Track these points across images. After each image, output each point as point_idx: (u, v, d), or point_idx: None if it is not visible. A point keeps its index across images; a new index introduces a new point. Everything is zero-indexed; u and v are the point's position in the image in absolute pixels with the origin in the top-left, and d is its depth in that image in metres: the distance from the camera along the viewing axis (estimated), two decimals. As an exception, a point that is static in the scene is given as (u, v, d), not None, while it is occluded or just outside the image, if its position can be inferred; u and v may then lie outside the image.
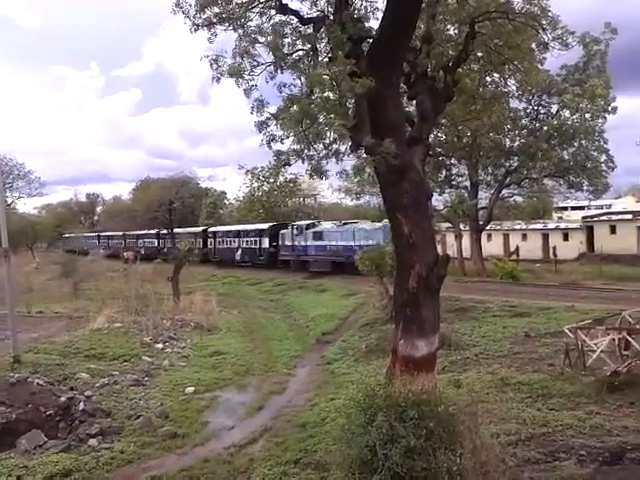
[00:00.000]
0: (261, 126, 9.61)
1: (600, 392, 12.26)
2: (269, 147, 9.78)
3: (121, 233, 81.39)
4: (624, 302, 20.03)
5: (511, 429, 10.57)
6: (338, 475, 8.10)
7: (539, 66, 12.14)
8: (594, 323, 14.92)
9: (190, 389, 16.14)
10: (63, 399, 13.61)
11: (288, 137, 9.46)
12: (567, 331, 14.52)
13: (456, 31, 11.50)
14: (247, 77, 9.35)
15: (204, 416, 14.20)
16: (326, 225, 44.72)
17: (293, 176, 58.07)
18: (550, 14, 10.67)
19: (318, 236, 43.03)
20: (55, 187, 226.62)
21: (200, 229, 63.49)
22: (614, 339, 13.69)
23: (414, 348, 9.73)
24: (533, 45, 11.31)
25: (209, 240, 61.09)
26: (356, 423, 7.75)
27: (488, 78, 12.69)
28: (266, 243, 50.47)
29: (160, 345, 21.10)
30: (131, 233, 78.76)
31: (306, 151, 9.87)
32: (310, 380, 17.51)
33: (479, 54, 11.64)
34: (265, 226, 52.07)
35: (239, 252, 54.71)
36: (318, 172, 10.19)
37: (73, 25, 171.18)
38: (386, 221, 36.75)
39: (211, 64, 9.39)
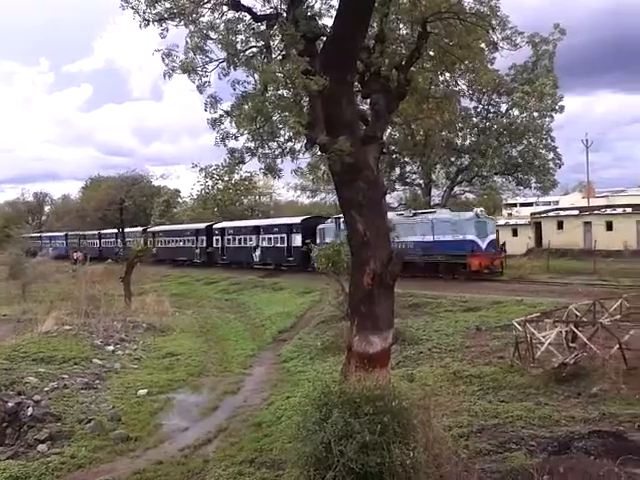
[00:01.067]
0: (215, 123, 9.48)
1: (548, 383, 12.67)
2: (223, 145, 9.68)
3: (95, 232, 73.17)
4: (571, 295, 20.72)
5: (463, 421, 10.82)
6: (293, 473, 8.10)
7: (489, 66, 12.42)
8: (542, 316, 15.38)
9: (143, 391, 15.89)
10: (10, 404, 13.17)
11: (242, 135, 9.37)
12: (516, 324, 14.94)
13: (408, 31, 11.62)
14: (200, 73, 9.21)
15: (157, 418, 14.04)
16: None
17: (248, 174, 57.32)
18: (499, 14, 10.90)
19: None
20: (1, 186, 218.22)
21: (203, 225, 54.22)
22: (561, 331, 14.15)
23: (369, 344, 9.82)
24: (483, 45, 11.55)
25: (215, 239, 52.00)
26: (311, 420, 7.75)
27: (440, 77, 12.89)
28: (298, 240, 40.53)
29: (111, 347, 20.67)
30: (108, 232, 71.13)
31: (260, 149, 9.80)
32: (266, 379, 17.48)
33: (431, 53, 11.79)
34: (297, 220, 43.70)
35: (258, 252, 45.93)
36: (272, 171, 10.14)
37: (20, 19, 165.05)
38: (478, 209, 32.79)
39: (163, 59, 9.20)
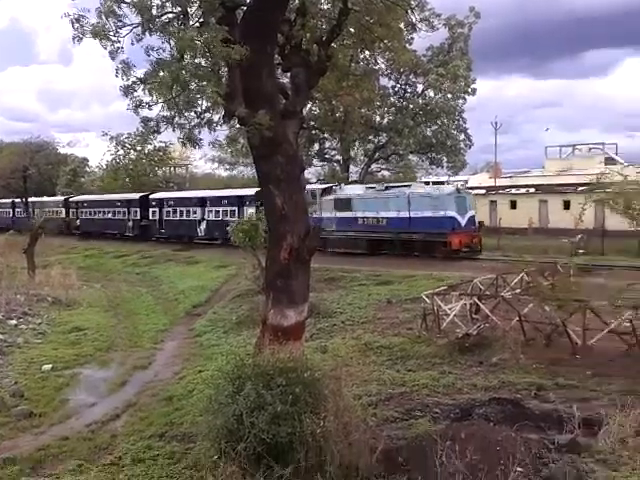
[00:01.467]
0: (127, 90, 9.06)
1: (453, 353, 13.38)
2: (136, 113, 9.30)
3: (8, 201, 65.86)
4: (475, 270, 21.77)
5: (372, 390, 11.26)
6: (204, 445, 8.14)
7: (407, 46, 12.65)
8: (449, 289, 16.12)
9: (47, 366, 15.37)
10: None
11: (157, 103, 9.03)
12: (425, 297, 15.59)
13: (330, 6, 11.60)
14: (112, 38, 8.73)
15: (63, 394, 13.62)
16: (355, 190, 33.20)
17: (163, 144, 55.17)
18: (419, -5, 11.11)
19: (343, 205, 31.83)
20: None
21: (137, 195, 48.87)
22: (466, 304, 14.93)
23: (284, 317, 9.94)
24: (402, 25, 11.72)
25: (151, 210, 46.52)
26: (224, 394, 7.80)
27: (360, 55, 12.99)
28: (250, 214, 35.29)
29: (13, 321, 19.79)
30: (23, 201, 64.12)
31: (177, 119, 9.51)
32: (178, 353, 17.28)
33: (352, 30, 11.84)
34: (250, 192, 38.13)
35: (203, 226, 41.83)
36: (191, 140, 9.88)
37: None
38: (459, 183, 32.49)
39: (72, 23, 8.64)
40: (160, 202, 46.21)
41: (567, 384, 10.95)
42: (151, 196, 47.77)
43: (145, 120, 9.39)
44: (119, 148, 56.16)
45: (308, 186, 34.97)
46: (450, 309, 14.71)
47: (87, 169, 72.78)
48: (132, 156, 56.67)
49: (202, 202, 42.76)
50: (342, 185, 35.13)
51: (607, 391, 10.26)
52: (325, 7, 11.72)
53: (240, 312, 20.31)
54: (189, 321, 21.61)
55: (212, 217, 41.38)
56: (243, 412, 7.41)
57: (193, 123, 9.70)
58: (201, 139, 10.01)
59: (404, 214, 28.88)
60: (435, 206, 27.85)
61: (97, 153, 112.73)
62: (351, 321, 17.65)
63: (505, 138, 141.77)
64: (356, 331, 16.34)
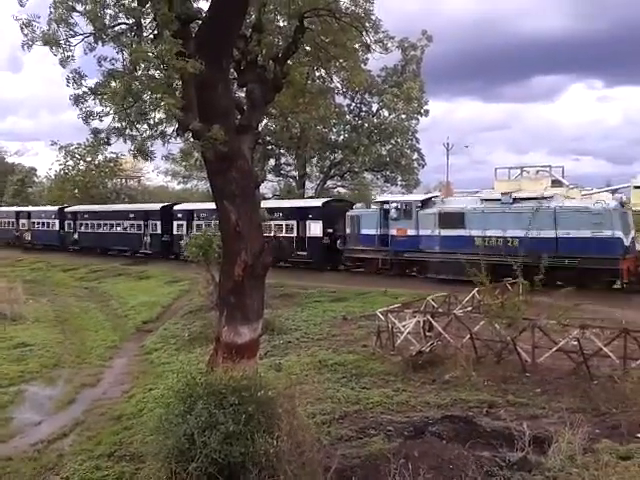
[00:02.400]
0: (77, 100, 8.85)
1: (406, 370, 13.42)
2: (86, 124, 9.07)
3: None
4: (428, 287, 22.01)
5: (326, 408, 11.16)
6: (154, 466, 7.90)
7: (362, 66, 12.83)
8: (403, 307, 16.25)
9: (-10, 383, 14.70)
10: None
11: (108, 114, 8.84)
12: (379, 314, 15.67)
13: (286, 23, 11.68)
14: (63, 46, 8.52)
15: (7, 412, 13.19)
16: (468, 202, 26.47)
17: (114, 155, 54.06)
18: (373, 17, 11.30)
19: (452, 220, 25.56)
20: None
21: (157, 206, 42.51)
22: (419, 321, 15.07)
23: (237, 335, 9.79)
24: (357, 45, 11.90)
25: (176, 224, 39.44)
26: (175, 412, 7.62)
27: (316, 73, 13.10)
28: (317, 230, 31.20)
29: (-47, 337, 18.80)
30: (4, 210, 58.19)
31: (128, 130, 9.32)
32: (127, 371, 16.83)
33: (308, 48, 11.95)
34: (316, 203, 33.32)
35: None
36: (143, 153, 9.67)
37: None
38: (621, 196, 23.47)
39: (22, 29, 8.40)
40: (189, 214, 38.97)
41: (517, 401, 11.12)
42: (176, 207, 41.16)
43: (95, 131, 9.18)
44: (68, 158, 54.75)
45: (402, 197, 31.20)
46: (404, 326, 14.82)
47: (35, 179, 70.63)
48: (82, 167, 55.33)
49: None
50: (440, 196, 28.84)
51: (556, 409, 10.44)
52: (281, 24, 11.80)
53: (193, 329, 19.95)
54: (139, 338, 21.09)
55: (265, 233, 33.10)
56: (194, 432, 7.24)
57: (145, 135, 9.53)
58: (153, 152, 9.82)
59: (548, 233, 22.54)
60: (596, 224, 21.68)
61: (46, 163, 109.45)
62: (306, 338, 17.56)
63: (456, 159, 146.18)
64: (311, 348, 16.25)
